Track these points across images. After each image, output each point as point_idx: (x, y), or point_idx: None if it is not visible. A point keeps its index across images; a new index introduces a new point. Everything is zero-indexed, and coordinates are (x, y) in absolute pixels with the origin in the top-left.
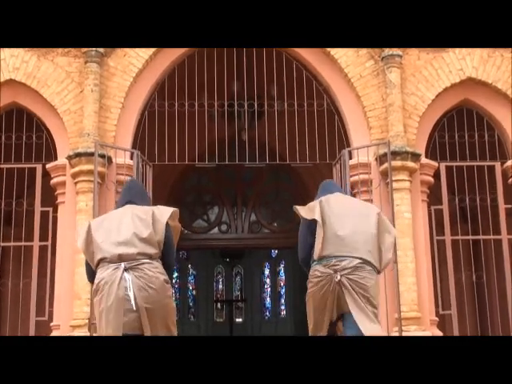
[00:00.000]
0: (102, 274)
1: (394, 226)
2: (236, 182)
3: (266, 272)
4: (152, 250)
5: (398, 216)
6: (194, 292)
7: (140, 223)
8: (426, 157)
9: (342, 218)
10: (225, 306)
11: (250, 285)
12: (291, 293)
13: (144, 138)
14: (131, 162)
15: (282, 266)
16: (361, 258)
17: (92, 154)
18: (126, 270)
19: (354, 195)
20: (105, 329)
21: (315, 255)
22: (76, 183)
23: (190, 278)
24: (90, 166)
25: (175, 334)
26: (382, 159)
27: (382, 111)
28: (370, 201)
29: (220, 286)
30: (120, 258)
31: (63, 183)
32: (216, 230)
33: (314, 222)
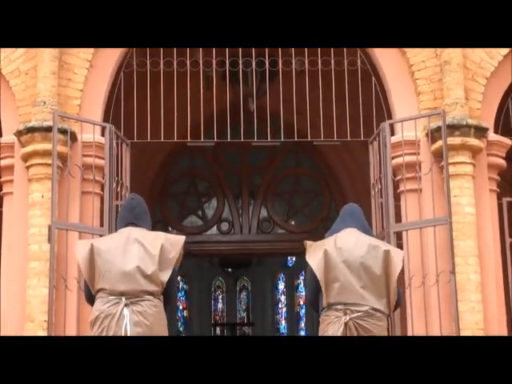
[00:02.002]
0: (101, 305)
1: (450, 223)
2: (241, 167)
3: (281, 286)
4: (154, 288)
5: (457, 211)
6: (184, 313)
7: (146, 256)
8: (496, 132)
9: (348, 264)
10: (226, 332)
11: (260, 304)
12: (313, 314)
13: (119, 108)
14: (102, 140)
15: (302, 278)
16: (370, 306)
17: (49, 129)
18: (126, 305)
19: (396, 184)
20: None
21: (324, 303)
22: (28, 168)
23: (179, 294)
24: (46, 145)
25: None
26: (434, 135)
27: (435, 71)
28: (419, 191)
29: (219, 306)
30: (121, 293)
31: (10, 168)
32: (214, 230)
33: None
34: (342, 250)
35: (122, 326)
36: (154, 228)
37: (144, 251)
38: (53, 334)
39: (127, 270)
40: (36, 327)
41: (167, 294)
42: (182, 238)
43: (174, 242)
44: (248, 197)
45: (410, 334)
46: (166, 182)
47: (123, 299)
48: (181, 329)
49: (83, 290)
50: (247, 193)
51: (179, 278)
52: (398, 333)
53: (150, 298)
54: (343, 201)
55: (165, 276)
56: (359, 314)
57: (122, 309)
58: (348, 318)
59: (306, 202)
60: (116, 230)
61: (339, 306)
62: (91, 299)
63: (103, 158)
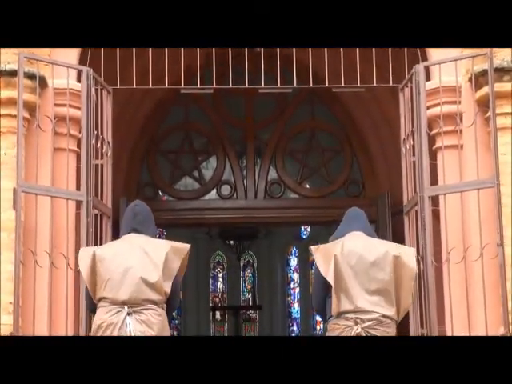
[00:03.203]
0: (104, 315)
1: (498, 185)
2: (245, 119)
3: (293, 262)
4: (158, 297)
5: (505, 171)
6: (179, 293)
7: (149, 264)
8: None
9: (357, 270)
10: (228, 317)
11: (268, 283)
12: None
13: (99, 48)
14: (78, 86)
15: None
16: (380, 313)
17: (14, 74)
18: (128, 314)
19: (432, 139)
20: None
21: (332, 311)
22: None
23: None
24: (11, 92)
25: None
26: (479, 80)
27: None
28: (459, 147)
29: (220, 286)
30: (123, 302)
31: None
32: (213, 194)
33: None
34: (350, 256)
35: (125, 335)
36: (140, 192)
37: (148, 259)
38: (19, 319)
39: (130, 279)
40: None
41: (170, 305)
42: (186, 246)
43: (178, 250)
44: (254, 155)
45: (448, 317)
46: (155, 137)
47: (126, 308)
48: (174, 313)
49: (85, 298)
50: (253, 150)
51: None
52: (433, 318)
53: (153, 306)
54: (368, 160)
55: (168, 286)
56: (370, 322)
57: (125, 318)
58: (360, 329)
59: (323, 162)
60: (119, 236)
61: (349, 315)
62: (93, 308)
63: (79, 108)
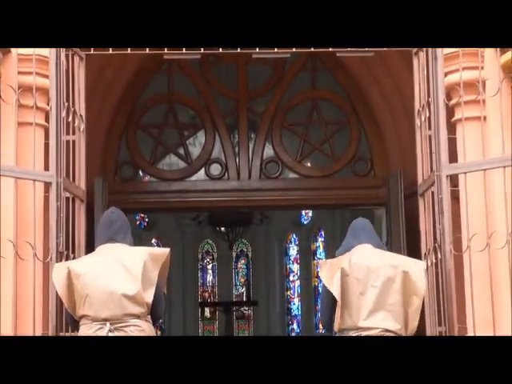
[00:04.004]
0: (87, 331)
1: None
2: (237, 88)
3: (293, 252)
4: (140, 310)
5: None
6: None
7: (127, 277)
8: None
9: (364, 285)
10: (218, 314)
11: (264, 275)
12: None
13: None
14: (46, 51)
15: (321, 240)
16: (382, 328)
17: None
18: (110, 331)
19: (451, 110)
20: None
21: (335, 327)
22: None
23: None
24: None
25: None
26: None
27: None
28: (482, 119)
29: (209, 278)
30: (105, 319)
31: None
32: (201, 174)
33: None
34: (357, 269)
35: None
36: (118, 172)
37: (125, 271)
38: None
39: (109, 294)
40: None
41: (154, 314)
42: (165, 251)
43: (156, 257)
44: (247, 129)
45: (469, 314)
46: (134, 109)
47: (107, 325)
48: (160, 321)
49: (65, 316)
50: (246, 124)
51: (153, 240)
52: (453, 314)
53: (136, 321)
54: (377, 135)
55: (149, 296)
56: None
57: (107, 334)
58: None
59: (326, 136)
60: (94, 247)
61: (351, 332)
62: (75, 325)
63: (47, 77)
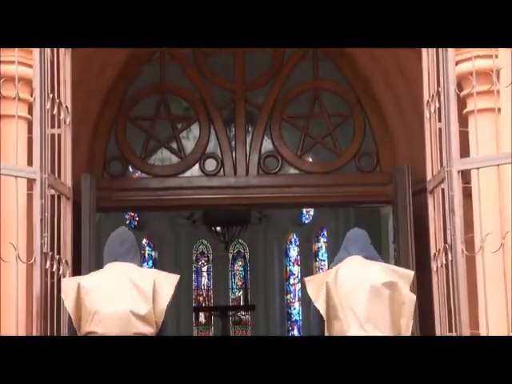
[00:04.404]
0: None
1: None
2: (235, 78)
3: (293, 253)
4: (149, 330)
5: None
6: None
7: (138, 295)
8: None
9: (351, 299)
10: (214, 320)
11: (263, 278)
12: None
13: None
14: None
15: (324, 241)
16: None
17: None
18: None
19: (463, 101)
20: None
21: None
22: None
23: (145, 263)
24: None
25: None
26: None
27: None
28: (496, 111)
29: (204, 281)
30: None
31: None
32: (196, 170)
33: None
34: (343, 283)
35: None
36: (107, 168)
37: (136, 290)
38: None
39: (120, 312)
40: None
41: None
42: (176, 277)
43: (168, 277)
44: (245, 122)
45: (482, 319)
46: (124, 101)
47: None
48: None
49: (68, 330)
50: (243, 116)
51: (144, 240)
52: (464, 319)
53: None
54: (383, 127)
55: (159, 316)
56: None
57: None
58: None
59: (329, 130)
60: (103, 264)
61: None
62: None
63: (31, 66)
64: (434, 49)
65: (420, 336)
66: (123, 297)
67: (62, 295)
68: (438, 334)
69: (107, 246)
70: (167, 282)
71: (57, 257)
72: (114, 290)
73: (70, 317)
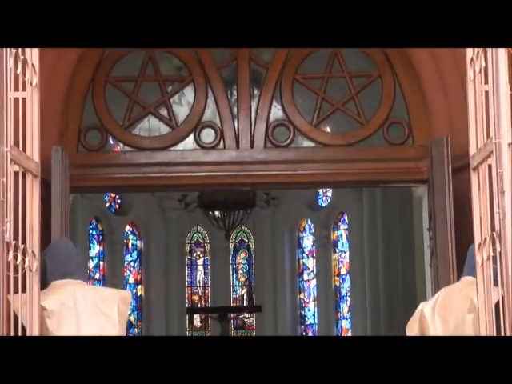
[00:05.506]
0: None
1: None
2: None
3: (307, 243)
4: None
5: None
6: (138, 290)
7: (105, 321)
8: None
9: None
10: (211, 323)
11: (270, 273)
12: (369, 289)
13: None
14: None
15: (344, 228)
16: None
17: None
18: None
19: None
20: None
21: None
22: None
23: (129, 255)
24: None
25: None
26: None
27: None
28: None
29: (200, 277)
30: None
31: None
32: (190, 142)
33: None
34: (438, 315)
35: None
36: (83, 139)
37: (102, 315)
38: None
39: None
40: None
41: None
42: (129, 293)
43: (124, 300)
44: (249, 84)
45: None
46: (103, 58)
47: None
48: (131, 318)
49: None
50: (247, 76)
51: (127, 228)
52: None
53: None
54: (417, 91)
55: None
56: None
57: None
58: None
59: (352, 93)
60: (47, 280)
61: None
62: None
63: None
64: None
65: (459, 336)
66: (87, 320)
67: (22, 320)
68: (483, 334)
69: (52, 260)
70: (125, 305)
71: (21, 247)
72: (76, 313)
73: None
